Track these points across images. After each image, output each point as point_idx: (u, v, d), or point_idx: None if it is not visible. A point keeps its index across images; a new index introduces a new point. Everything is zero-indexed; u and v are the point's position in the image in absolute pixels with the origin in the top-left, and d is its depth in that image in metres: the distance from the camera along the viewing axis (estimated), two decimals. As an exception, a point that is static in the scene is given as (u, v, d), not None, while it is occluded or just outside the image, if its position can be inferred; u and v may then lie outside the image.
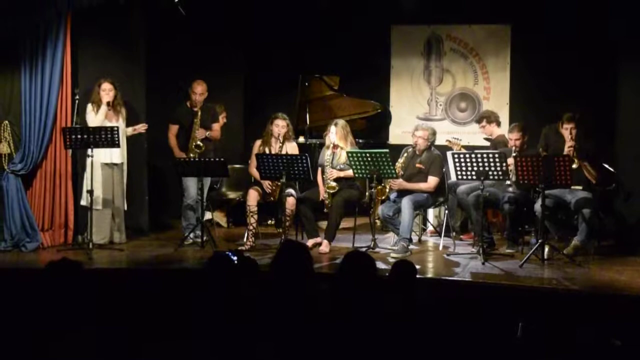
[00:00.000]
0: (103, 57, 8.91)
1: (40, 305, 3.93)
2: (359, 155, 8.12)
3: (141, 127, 8.75)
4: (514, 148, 8.25)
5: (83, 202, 8.42)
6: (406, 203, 8.22)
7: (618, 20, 8.38)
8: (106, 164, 8.49)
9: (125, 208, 8.76)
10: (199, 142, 8.70)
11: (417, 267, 5.58)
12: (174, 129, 8.88)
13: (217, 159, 8.46)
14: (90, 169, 8.12)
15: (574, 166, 7.66)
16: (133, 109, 8.95)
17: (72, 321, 3.85)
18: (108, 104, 8.39)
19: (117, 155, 8.53)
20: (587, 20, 9.66)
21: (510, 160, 7.96)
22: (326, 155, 8.61)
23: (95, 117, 8.37)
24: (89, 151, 8.06)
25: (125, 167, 8.72)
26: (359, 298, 4.03)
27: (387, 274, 4.90)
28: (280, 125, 8.52)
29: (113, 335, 4.01)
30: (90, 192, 8.16)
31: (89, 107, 8.45)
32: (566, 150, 7.85)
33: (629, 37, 8.37)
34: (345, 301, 4.04)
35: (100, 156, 8.36)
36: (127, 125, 8.69)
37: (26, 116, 8.27)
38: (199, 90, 8.73)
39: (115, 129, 8.03)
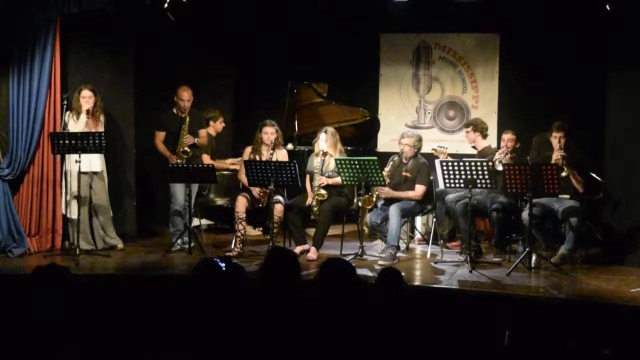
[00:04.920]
0: (91, 64, 8.90)
1: (28, 310, 3.91)
2: (347, 162, 8.13)
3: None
4: (504, 148, 8.27)
5: (63, 211, 8.40)
6: (394, 211, 8.24)
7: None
8: (85, 173, 8.41)
9: (111, 214, 8.74)
10: (186, 148, 8.68)
11: (405, 274, 5.59)
12: (160, 135, 8.84)
13: (205, 165, 8.46)
14: (78, 176, 8.12)
15: (563, 174, 7.70)
16: (118, 115, 8.94)
17: (59, 328, 3.84)
18: (87, 111, 8.35)
19: (96, 163, 8.50)
20: (576, 30, 9.70)
21: (496, 156, 8.06)
22: (315, 162, 8.61)
23: (75, 126, 8.33)
24: (77, 157, 8.04)
25: (105, 175, 8.69)
26: (341, 304, 4.04)
27: (374, 282, 4.90)
28: (269, 132, 8.52)
29: (100, 342, 3.99)
30: (78, 197, 8.15)
31: (67, 114, 8.41)
32: (554, 158, 7.88)
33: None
34: (328, 308, 4.05)
35: (82, 165, 8.31)
36: (106, 132, 8.54)
37: (14, 121, 8.25)
38: (186, 97, 8.71)
39: (102, 134, 8.02)
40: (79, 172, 8.11)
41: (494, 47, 10.85)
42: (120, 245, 8.71)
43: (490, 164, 7.90)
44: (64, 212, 8.42)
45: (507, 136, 8.45)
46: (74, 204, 8.34)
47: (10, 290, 6.07)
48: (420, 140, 8.66)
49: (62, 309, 3.92)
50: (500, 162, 8.05)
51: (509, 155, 8.27)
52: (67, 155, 8.29)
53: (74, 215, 8.33)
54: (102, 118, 8.59)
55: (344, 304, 4.05)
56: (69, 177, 8.25)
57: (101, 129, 8.49)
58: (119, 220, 8.94)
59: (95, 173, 8.54)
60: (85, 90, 8.39)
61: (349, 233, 9.04)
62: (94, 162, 8.45)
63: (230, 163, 9.78)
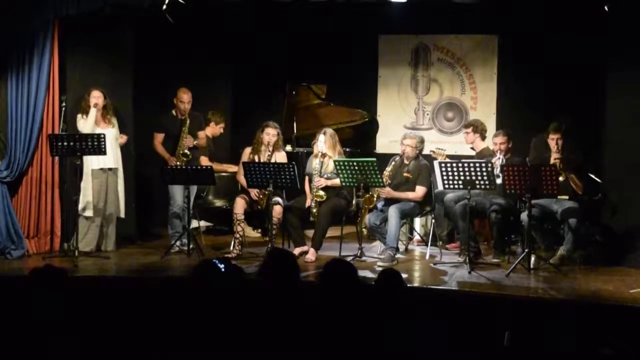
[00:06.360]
0: (90, 65, 8.90)
1: (25, 312, 3.90)
2: (346, 163, 8.12)
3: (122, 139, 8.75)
4: (498, 152, 8.26)
5: (80, 210, 8.39)
6: (393, 212, 8.23)
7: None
8: (100, 170, 8.47)
9: (123, 215, 8.75)
10: (186, 151, 8.68)
11: (404, 275, 5.59)
12: (159, 137, 8.85)
13: (203, 167, 8.46)
14: (79, 176, 8.18)
15: (561, 179, 7.69)
16: (121, 116, 8.92)
17: (56, 329, 3.84)
18: (96, 105, 8.36)
19: (110, 160, 8.50)
20: (575, 31, 9.70)
21: (495, 163, 8.06)
22: (314, 163, 8.61)
23: (85, 123, 8.35)
24: (93, 157, 8.15)
25: (120, 173, 8.70)
26: (342, 305, 4.03)
27: (373, 283, 4.90)
28: (271, 134, 8.51)
29: (98, 343, 3.99)
30: (76, 200, 8.16)
31: (78, 116, 8.44)
32: (552, 161, 7.88)
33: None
34: (329, 309, 4.04)
35: (93, 162, 8.36)
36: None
37: (12, 123, 8.25)
38: (186, 99, 8.72)
39: (102, 136, 8.01)
40: (79, 171, 8.19)
41: (493, 49, 10.85)
42: (111, 246, 8.72)
43: (489, 167, 7.86)
44: (80, 211, 8.39)
45: (499, 139, 8.40)
46: (89, 204, 8.37)
47: (8, 292, 6.07)
48: (422, 141, 8.66)
49: (59, 310, 3.91)
50: (498, 176, 7.99)
51: (505, 157, 8.23)
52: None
53: (86, 213, 8.38)
54: (114, 120, 8.63)
55: (345, 306, 4.05)
56: (79, 175, 8.27)
57: (114, 128, 8.58)
58: (118, 222, 8.92)
59: (109, 169, 8.56)
60: (95, 91, 8.41)
61: (347, 234, 9.03)
62: (106, 158, 8.43)
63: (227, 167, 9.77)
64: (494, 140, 8.49)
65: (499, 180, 7.91)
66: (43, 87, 8.30)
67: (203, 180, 8.60)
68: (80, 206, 8.31)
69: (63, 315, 3.93)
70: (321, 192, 8.46)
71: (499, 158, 8.15)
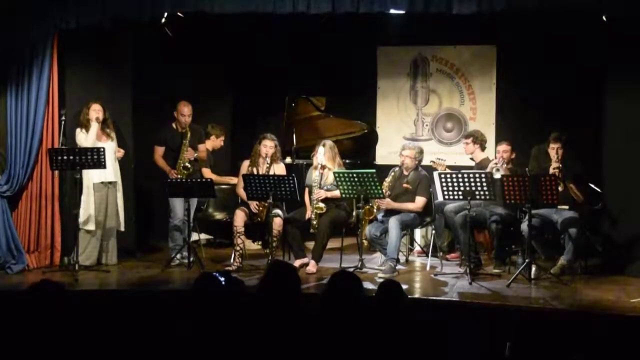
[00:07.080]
0: (90, 79, 8.89)
1: (23, 327, 3.89)
2: (346, 175, 8.13)
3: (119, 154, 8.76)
4: (501, 160, 8.26)
5: (81, 225, 8.38)
6: (393, 223, 8.23)
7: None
8: (101, 183, 8.47)
9: (122, 228, 8.72)
10: (187, 164, 8.68)
11: (405, 287, 5.58)
12: (160, 150, 8.85)
13: (204, 180, 8.46)
14: (79, 189, 8.17)
15: (560, 188, 7.69)
16: (119, 130, 8.92)
17: (56, 343, 3.83)
18: (97, 119, 8.36)
19: (110, 173, 8.50)
20: (574, 41, 9.71)
21: (491, 166, 8.11)
22: (314, 175, 8.62)
23: (86, 137, 8.34)
24: (98, 170, 8.17)
25: (120, 187, 8.69)
26: (346, 318, 4.02)
27: (374, 294, 4.89)
28: (268, 146, 8.53)
29: (98, 358, 3.98)
30: (76, 214, 8.16)
31: (78, 130, 8.43)
32: (551, 170, 7.88)
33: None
34: (332, 321, 4.04)
35: (94, 176, 8.36)
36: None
37: (12, 137, 8.25)
38: (187, 112, 8.73)
39: (102, 149, 8.00)
40: (79, 184, 8.19)
41: (491, 59, 10.84)
42: (113, 260, 8.70)
43: (488, 174, 7.89)
44: (81, 225, 8.38)
45: (502, 147, 8.47)
46: (91, 217, 8.38)
47: (7, 307, 6.06)
48: (421, 152, 8.68)
49: (58, 325, 3.90)
50: (498, 170, 8.05)
51: (506, 165, 8.26)
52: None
53: (87, 227, 8.38)
54: (113, 134, 8.65)
55: (348, 319, 4.04)
56: (79, 189, 8.26)
57: (112, 142, 8.58)
58: (118, 235, 8.92)
59: (110, 183, 8.56)
60: (95, 104, 8.41)
61: (348, 246, 9.02)
62: (107, 172, 8.42)
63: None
64: (497, 149, 8.54)
65: (497, 175, 7.92)
66: (42, 100, 8.29)
67: (203, 193, 8.60)
68: (81, 219, 8.30)
69: (62, 329, 3.92)
70: (321, 204, 8.46)
71: (499, 162, 8.17)
